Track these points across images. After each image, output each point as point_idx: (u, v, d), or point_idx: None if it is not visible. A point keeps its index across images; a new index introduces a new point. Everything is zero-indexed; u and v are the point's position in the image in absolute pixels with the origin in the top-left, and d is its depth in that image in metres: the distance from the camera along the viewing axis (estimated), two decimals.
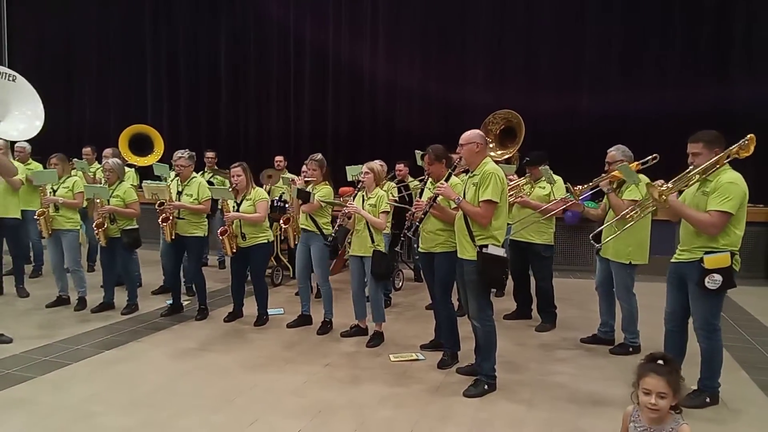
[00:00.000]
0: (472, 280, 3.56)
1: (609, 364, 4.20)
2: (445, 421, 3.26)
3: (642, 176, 4.08)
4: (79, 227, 5.50)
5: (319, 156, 4.99)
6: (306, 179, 4.96)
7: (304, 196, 4.75)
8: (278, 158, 7.52)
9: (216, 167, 7.71)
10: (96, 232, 5.24)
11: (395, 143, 8.71)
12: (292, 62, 9.75)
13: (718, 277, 3.17)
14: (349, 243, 6.23)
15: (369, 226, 4.46)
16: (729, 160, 3.27)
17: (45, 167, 5.80)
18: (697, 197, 3.32)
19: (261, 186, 5.94)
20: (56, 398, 3.47)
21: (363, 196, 4.59)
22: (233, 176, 5.01)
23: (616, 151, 4.34)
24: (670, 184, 3.33)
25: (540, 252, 4.98)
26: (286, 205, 6.02)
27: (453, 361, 4.11)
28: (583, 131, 7.90)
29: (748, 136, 3.23)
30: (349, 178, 5.37)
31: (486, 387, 3.59)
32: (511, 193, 4.87)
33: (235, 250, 5.00)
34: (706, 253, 3.23)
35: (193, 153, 5.37)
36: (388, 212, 4.54)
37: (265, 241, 5.09)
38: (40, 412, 3.28)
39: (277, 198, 6.54)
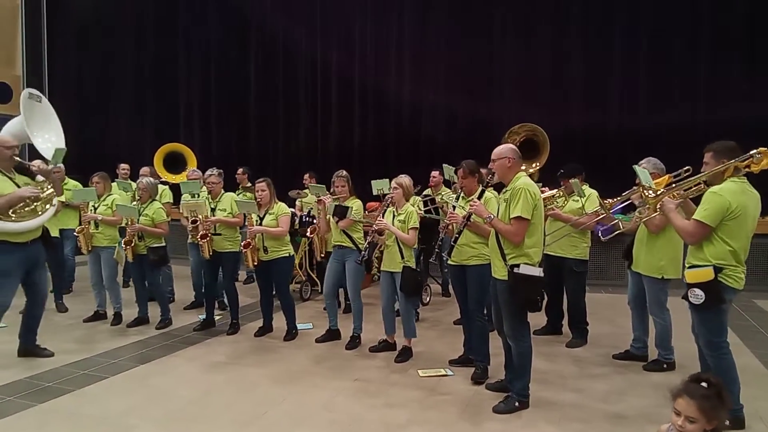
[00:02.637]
0: (505, 300, 3.52)
1: (642, 380, 4.12)
2: None
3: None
4: (117, 244, 5.67)
5: (344, 172, 5.06)
6: (335, 197, 5.03)
7: (341, 212, 4.78)
8: (306, 176, 7.60)
9: (250, 183, 7.86)
10: (125, 248, 5.40)
11: (421, 158, 8.76)
12: (318, 80, 9.94)
13: (699, 292, 3.10)
14: (377, 258, 6.29)
15: (399, 242, 4.49)
16: (743, 173, 3.18)
17: (86, 185, 6.00)
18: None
19: (292, 203, 6.04)
20: (96, 411, 3.58)
21: (393, 211, 4.62)
22: (257, 191, 5.13)
23: (647, 164, 4.27)
24: (664, 189, 3.32)
25: (572, 267, 4.92)
26: (314, 221, 6.10)
27: (485, 375, 4.09)
28: (612, 144, 7.82)
29: (760, 149, 3.13)
30: (375, 192, 5.42)
31: (517, 404, 3.56)
32: (544, 205, 4.83)
33: (256, 263, 5.09)
34: (690, 267, 3.19)
35: (222, 171, 5.52)
36: (417, 228, 4.56)
37: (287, 255, 5.16)
38: (81, 424, 3.39)
39: (305, 213, 6.64)
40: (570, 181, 4.84)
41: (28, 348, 4.57)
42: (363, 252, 4.73)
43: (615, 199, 4.36)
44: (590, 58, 8.15)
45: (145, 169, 6.75)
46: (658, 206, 3.41)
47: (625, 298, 4.66)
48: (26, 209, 4.19)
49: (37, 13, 12.22)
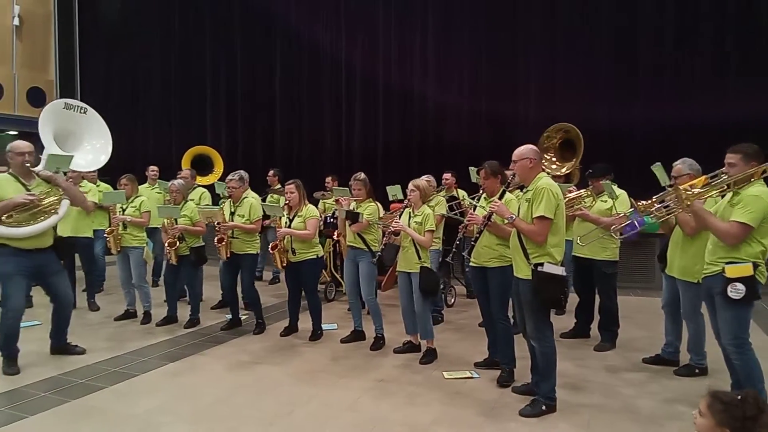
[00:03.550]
0: (528, 300, 3.50)
1: (673, 385, 4.03)
2: None
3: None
4: (145, 245, 5.78)
5: (363, 175, 5.08)
6: (353, 199, 5.05)
7: (352, 217, 4.84)
8: (328, 179, 7.63)
9: (281, 184, 7.92)
10: (167, 251, 5.49)
11: (445, 159, 8.71)
12: (343, 82, 9.99)
13: (740, 287, 3.16)
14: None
15: (415, 243, 4.49)
16: (766, 175, 3.23)
17: (115, 187, 6.13)
18: (726, 209, 3.31)
19: (315, 204, 6.08)
20: (126, 408, 3.65)
21: (410, 213, 4.62)
22: (287, 193, 5.17)
23: (682, 165, 4.14)
24: (696, 190, 3.33)
25: (601, 268, 4.83)
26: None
27: (511, 378, 4.05)
28: (640, 144, 7.67)
29: None
30: (390, 198, 5.40)
31: (544, 408, 3.51)
32: (570, 205, 4.78)
33: (284, 264, 5.13)
34: (728, 263, 3.21)
35: (244, 175, 5.54)
36: (433, 231, 4.54)
37: (315, 256, 5.20)
38: (112, 420, 3.46)
39: (329, 215, 6.68)
40: (602, 181, 4.77)
41: (60, 346, 4.69)
42: (376, 253, 4.74)
43: (648, 201, 4.27)
44: (616, 57, 8.00)
45: (185, 172, 6.86)
46: (688, 206, 3.39)
47: (654, 301, 4.59)
48: (22, 215, 4.18)
49: (69, 20, 12.58)
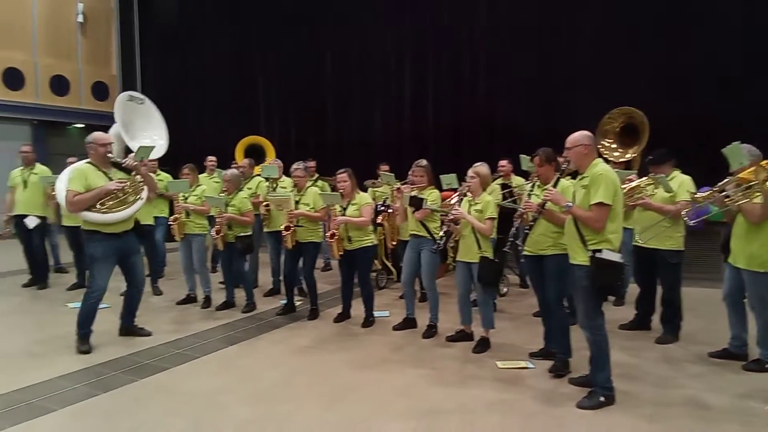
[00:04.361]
0: (583, 286, 3.43)
1: (741, 380, 3.85)
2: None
3: None
4: (206, 232, 5.98)
5: (425, 162, 5.04)
6: (413, 186, 5.03)
7: (416, 203, 4.79)
8: (385, 167, 7.61)
9: (317, 174, 8.04)
10: (215, 237, 5.68)
11: (497, 147, 8.57)
12: (393, 70, 9.97)
13: None
14: (452, 248, 6.24)
15: (475, 231, 4.44)
16: None
17: (175, 176, 6.37)
18: None
19: (365, 191, 6.11)
20: (189, 388, 3.82)
21: (469, 201, 4.57)
22: (339, 182, 5.21)
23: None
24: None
25: (666, 258, 4.64)
26: (389, 211, 6.14)
27: (564, 368, 3.98)
28: (703, 130, 7.29)
29: None
30: (444, 187, 5.39)
31: (602, 399, 3.44)
32: (631, 194, 4.61)
33: (341, 253, 5.19)
34: None
35: (309, 165, 5.63)
36: (494, 218, 4.48)
37: (370, 244, 5.24)
38: (177, 399, 3.63)
39: (380, 203, 6.71)
40: (655, 176, 4.58)
41: (128, 328, 4.94)
42: (438, 241, 4.71)
43: (708, 192, 4.08)
44: (671, 40, 7.61)
45: (244, 162, 7.05)
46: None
47: (720, 293, 4.37)
48: (113, 201, 4.46)
49: (129, 16, 13.08)
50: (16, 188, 6.87)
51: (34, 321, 5.51)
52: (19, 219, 6.84)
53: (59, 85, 12.64)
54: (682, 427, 3.21)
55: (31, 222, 6.76)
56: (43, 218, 6.88)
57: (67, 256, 7.43)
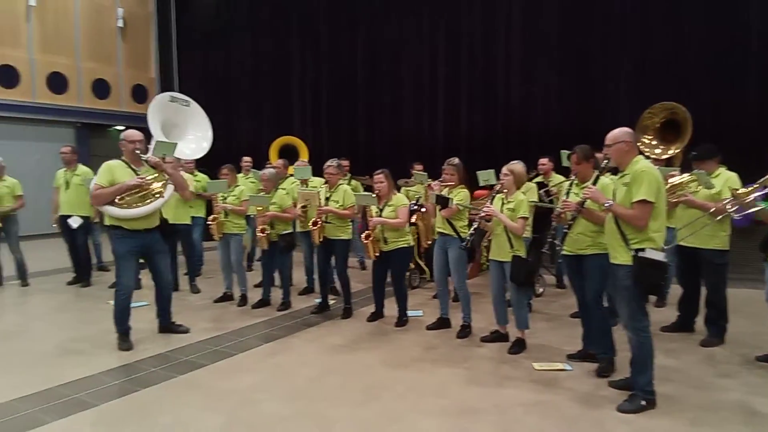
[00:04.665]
0: (626, 286, 3.33)
1: None
2: None
3: None
4: (244, 232, 6.05)
5: (456, 160, 5.00)
6: (443, 183, 4.99)
7: (443, 202, 4.79)
8: (419, 167, 7.57)
9: (349, 173, 8.08)
10: (259, 236, 5.74)
11: (531, 146, 8.44)
12: (426, 68, 9.92)
13: None
14: (486, 247, 6.17)
15: (507, 230, 4.38)
16: None
17: (214, 177, 6.47)
18: None
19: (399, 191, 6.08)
20: (226, 384, 3.88)
21: (502, 199, 4.51)
22: (376, 183, 5.20)
23: None
24: None
25: (710, 258, 4.48)
26: (422, 209, 6.10)
27: (610, 368, 3.90)
28: (746, 127, 7.02)
29: None
30: (481, 183, 5.33)
31: (643, 403, 3.34)
32: (673, 191, 4.47)
33: (377, 254, 5.19)
34: None
35: (341, 162, 5.65)
36: (527, 217, 4.41)
37: (406, 245, 5.22)
38: (215, 396, 3.69)
39: (413, 202, 6.67)
40: (695, 172, 4.42)
41: (167, 325, 5.05)
42: (466, 239, 4.66)
43: (751, 187, 3.91)
44: (715, 33, 7.34)
45: (279, 162, 7.15)
46: None
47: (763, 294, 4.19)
48: (133, 197, 4.52)
49: (167, 20, 13.40)
50: (59, 188, 7.13)
51: (77, 318, 5.69)
52: (63, 219, 7.09)
53: (101, 89, 13.05)
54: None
55: (75, 222, 7.00)
56: (86, 218, 7.11)
57: (109, 254, 7.63)
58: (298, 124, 11.40)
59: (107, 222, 4.62)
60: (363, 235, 5.20)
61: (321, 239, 5.49)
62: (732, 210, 3.99)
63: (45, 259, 8.65)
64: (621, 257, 3.35)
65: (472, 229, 4.65)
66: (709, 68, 7.40)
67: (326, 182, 5.62)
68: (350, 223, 5.62)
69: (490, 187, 4.92)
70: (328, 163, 5.59)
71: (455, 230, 4.85)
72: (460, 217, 4.90)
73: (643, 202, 3.23)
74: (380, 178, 5.17)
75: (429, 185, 5.20)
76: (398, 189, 6.77)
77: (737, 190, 4.04)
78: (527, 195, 5.26)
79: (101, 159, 4.72)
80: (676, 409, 3.37)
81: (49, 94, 12.12)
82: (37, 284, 7.24)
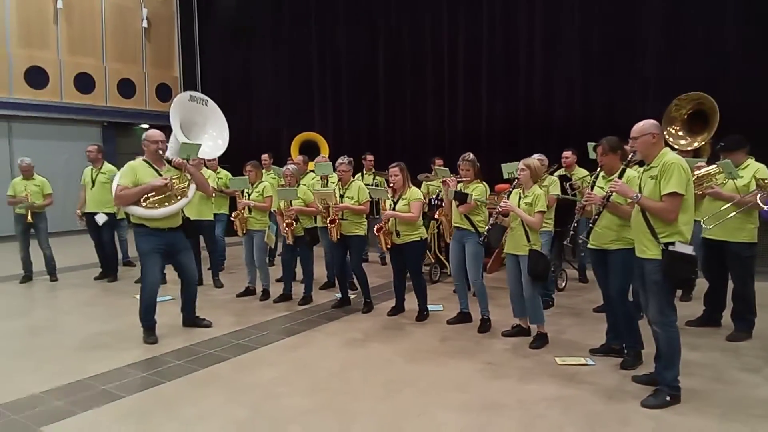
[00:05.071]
0: (655, 281, 3.27)
1: None
2: (621, 431, 3.05)
3: None
4: (267, 228, 6.11)
5: (471, 156, 4.97)
6: (459, 179, 4.97)
7: (461, 198, 4.77)
8: (439, 161, 7.53)
9: (374, 169, 8.10)
10: (285, 232, 5.78)
11: (552, 139, 8.34)
12: (446, 62, 9.86)
13: None
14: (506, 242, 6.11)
15: (524, 224, 4.34)
16: None
17: (236, 174, 6.53)
18: None
19: (419, 187, 6.07)
20: (249, 378, 3.92)
21: (519, 193, 4.47)
22: (391, 176, 5.21)
23: None
24: None
25: (737, 251, 4.37)
26: (443, 204, 6.08)
27: (637, 361, 3.85)
28: None
29: None
30: (505, 176, 5.28)
31: (668, 398, 3.28)
32: (700, 183, 4.37)
33: (389, 246, 5.19)
34: None
35: (352, 159, 5.68)
36: (544, 212, 4.38)
37: (418, 239, 5.20)
38: (237, 389, 3.74)
39: (434, 197, 6.67)
40: (720, 161, 4.31)
41: (191, 319, 5.12)
42: (483, 234, 4.64)
43: None
44: (745, 23, 7.13)
45: (299, 158, 7.18)
46: None
47: None
48: (157, 198, 4.57)
49: (190, 20, 13.56)
50: (86, 186, 7.30)
51: (104, 312, 5.81)
52: (89, 216, 7.26)
53: (126, 88, 13.28)
54: (757, 428, 3.02)
55: (101, 219, 7.16)
56: (111, 215, 7.26)
57: (135, 250, 7.79)
58: (318, 120, 11.44)
59: (131, 220, 4.71)
60: (375, 228, 5.21)
61: (338, 236, 5.50)
62: (762, 201, 3.89)
63: (73, 255, 8.86)
64: (650, 251, 3.29)
65: (489, 223, 4.63)
66: (739, 59, 7.20)
67: (339, 180, 5.64)
68: (365, 219, 5.62)
69: (512, 182, 4.89)
70: (340, 160, 5.61)
71: (473, 224, 4.83)
72: (477, 212, 4.88)
73: (674, 194, 3.17)
74: (395, 171, 5.17)
75: (444, 181, 5.18)
76: (419, 184, 6.78)
77: (765, 180, 3.94)
78: (551, 188, 5.23)
79: (127, 157, 4.81)
80: (702, 404, 3.30)
81: (76, 94, 12.38)
82: (65, 279, 7.42)
